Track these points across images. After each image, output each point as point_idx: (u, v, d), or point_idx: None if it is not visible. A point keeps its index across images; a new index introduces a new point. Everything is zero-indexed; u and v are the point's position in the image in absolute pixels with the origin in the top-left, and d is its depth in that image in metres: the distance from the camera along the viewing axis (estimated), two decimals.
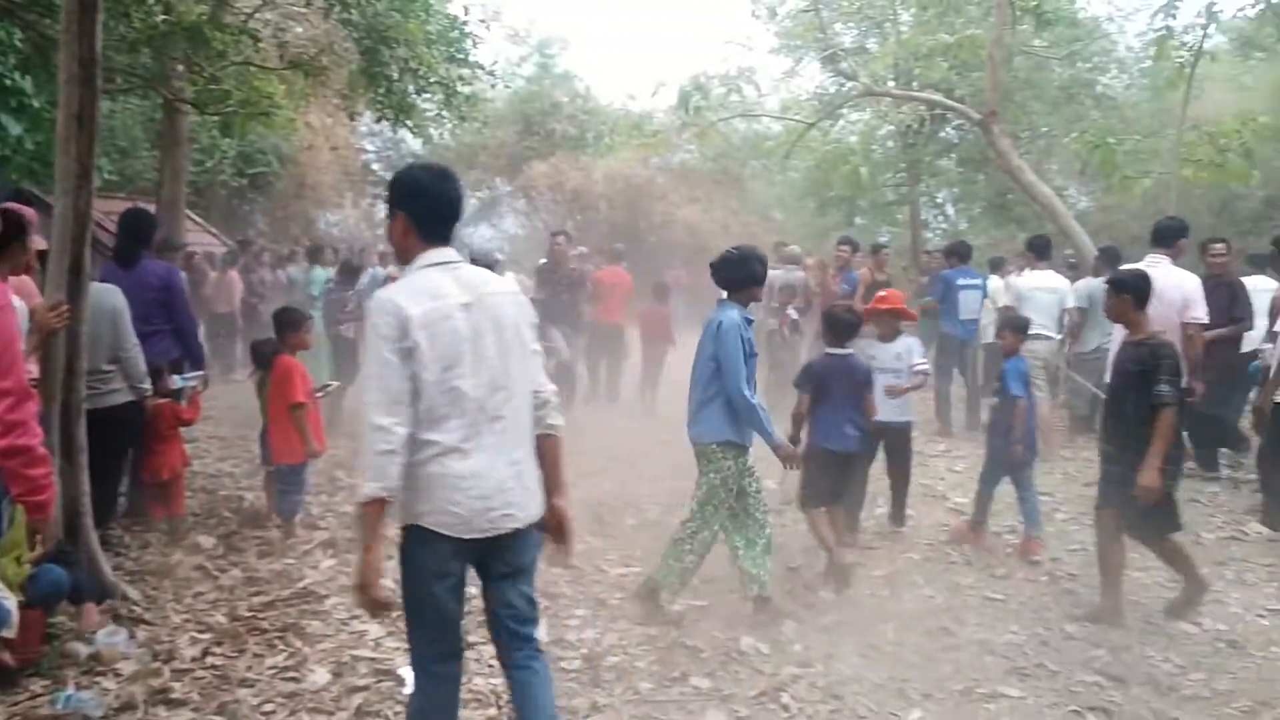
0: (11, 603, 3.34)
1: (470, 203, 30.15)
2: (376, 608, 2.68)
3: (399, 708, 3.49)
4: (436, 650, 2.78)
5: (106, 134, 12.80)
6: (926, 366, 6.03)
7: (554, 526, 2.91)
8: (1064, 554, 5.73)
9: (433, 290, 2.64)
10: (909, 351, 5.92)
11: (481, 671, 3.84)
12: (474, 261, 6.78)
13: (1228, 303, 7.21)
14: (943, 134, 19.02)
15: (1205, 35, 9.63)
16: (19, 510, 3.28)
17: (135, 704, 3.36)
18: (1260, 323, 7.45)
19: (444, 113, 12.42)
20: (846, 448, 5.32)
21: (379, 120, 9.75)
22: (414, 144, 29.89)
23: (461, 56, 9.36)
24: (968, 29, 13.06)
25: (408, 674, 3.41)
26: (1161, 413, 4.36)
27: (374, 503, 2.51)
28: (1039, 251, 8.56)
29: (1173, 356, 4.50)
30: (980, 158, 16.55)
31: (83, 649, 3.68)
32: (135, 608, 4.16)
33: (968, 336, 9.24)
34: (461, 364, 2.62)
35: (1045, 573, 5.42)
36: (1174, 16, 9.67)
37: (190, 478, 6.12)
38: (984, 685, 3.98)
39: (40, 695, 3.38)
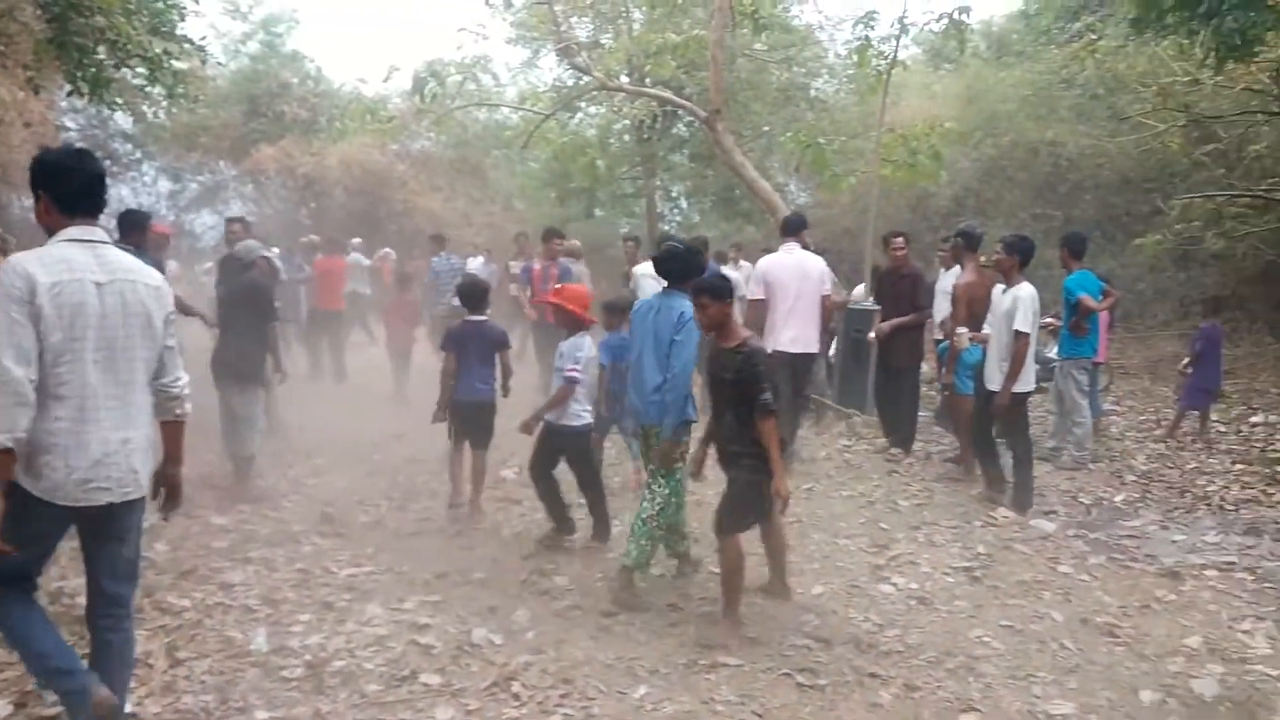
0: None
1: (190, 187, 28.10)
2: None
3: None
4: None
5: None
6: (574, 373, 5.56)
7: (163, 492, 3.21)
8: None
9: (68, 263, 2.80)
10: (572, 349, 5.67)
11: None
12: (235, 260, 6.38)
13: (910, 291, 8.02)
14: (675, 130, 19.69)
15: (898, 45, 10.58)
16: None
17: None
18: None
19: (149, 89, 11.45)
20: (478, 399, 6.12)
21: (69, 95, 8.78)
22: (124, 122, 27.50)
23: (167, 29, 8.56)
24: (694, 30, 13.57)
25: None
26: (766, 419, 4.24)
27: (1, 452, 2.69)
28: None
29: (767, 363, 4.36)
30: (709, 154, 17.30)
31: None
32: None
33: None
34: (85, 339, 2.79)
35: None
36: (872, 27, 10.56)
37: None
38: (705, 657, 4.18)
39: None
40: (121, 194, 28.03)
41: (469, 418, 6.15)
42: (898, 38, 10.45)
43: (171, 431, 3.20)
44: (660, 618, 4.63)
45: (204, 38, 10.83)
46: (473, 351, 6.11)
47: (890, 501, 6.67)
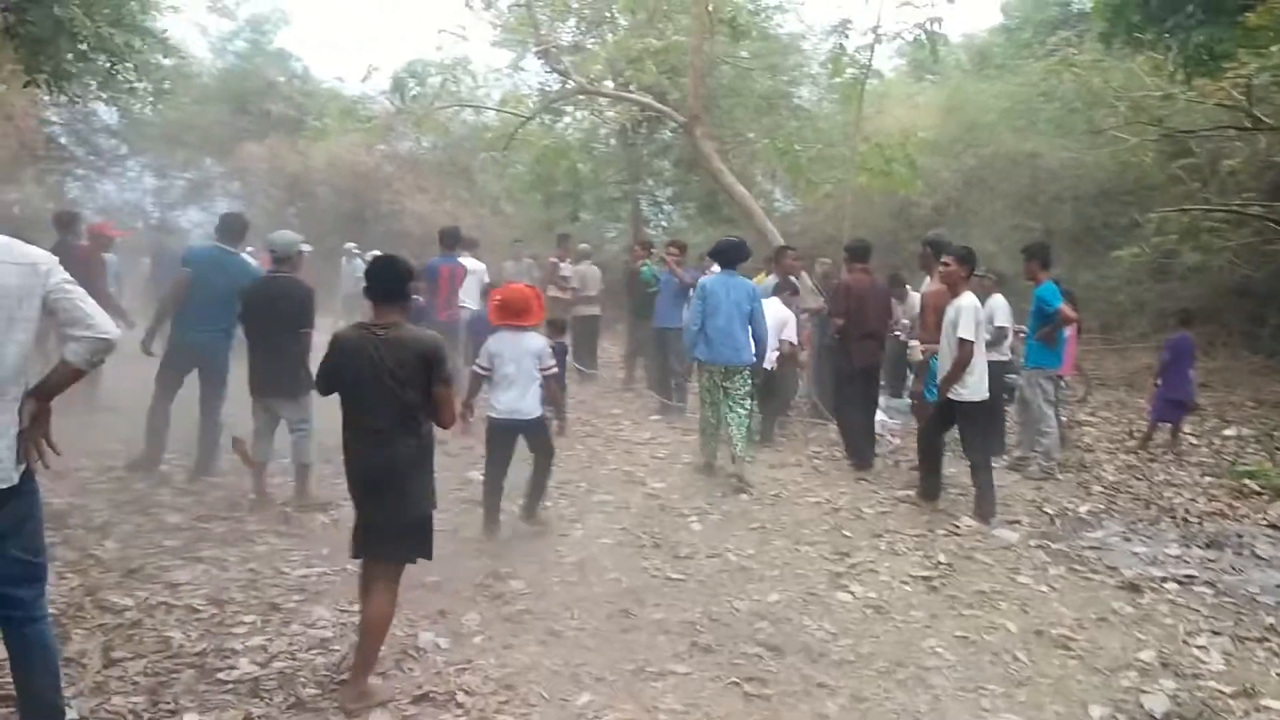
0: None
1: (176, 184, 27.95)
2: None
3: None
4: None
5: None
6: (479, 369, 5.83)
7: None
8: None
9: None
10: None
11: None
12: (273, 253, 6.18)
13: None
14: (659, 136, 19.68)
15: (873, 53, 10.58)
16: None
17: None
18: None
19: (136, 85, 11.32)
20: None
21: (25, 85, 8.61)
22: (108, 118, 27.35)
23: (129, 21, 8.43)
24: (675, 35, 13.57)
25: None
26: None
27: None
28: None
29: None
30: (693, 160, 17.30)
31: None
32: None
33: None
34: None
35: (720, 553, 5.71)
36: (847, 35, 10.60)
37: None
38: (654, 664, 4.14)
39: None
40: (106, 189, 28.06)
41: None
42: (872, 46, 10.47)
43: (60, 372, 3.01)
44: (612, 623, 4.58)
45: (165, 31, 10.62)
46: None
47: (855, 509, 6.65)
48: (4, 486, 2.85)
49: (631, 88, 15.66)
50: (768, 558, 5.60)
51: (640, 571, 5.31)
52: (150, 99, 27.02)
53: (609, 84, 15.61)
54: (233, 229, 6.85)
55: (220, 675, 3.79)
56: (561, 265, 12.10)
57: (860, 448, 7.93)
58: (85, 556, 4.97)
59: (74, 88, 8.95)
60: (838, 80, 11.37)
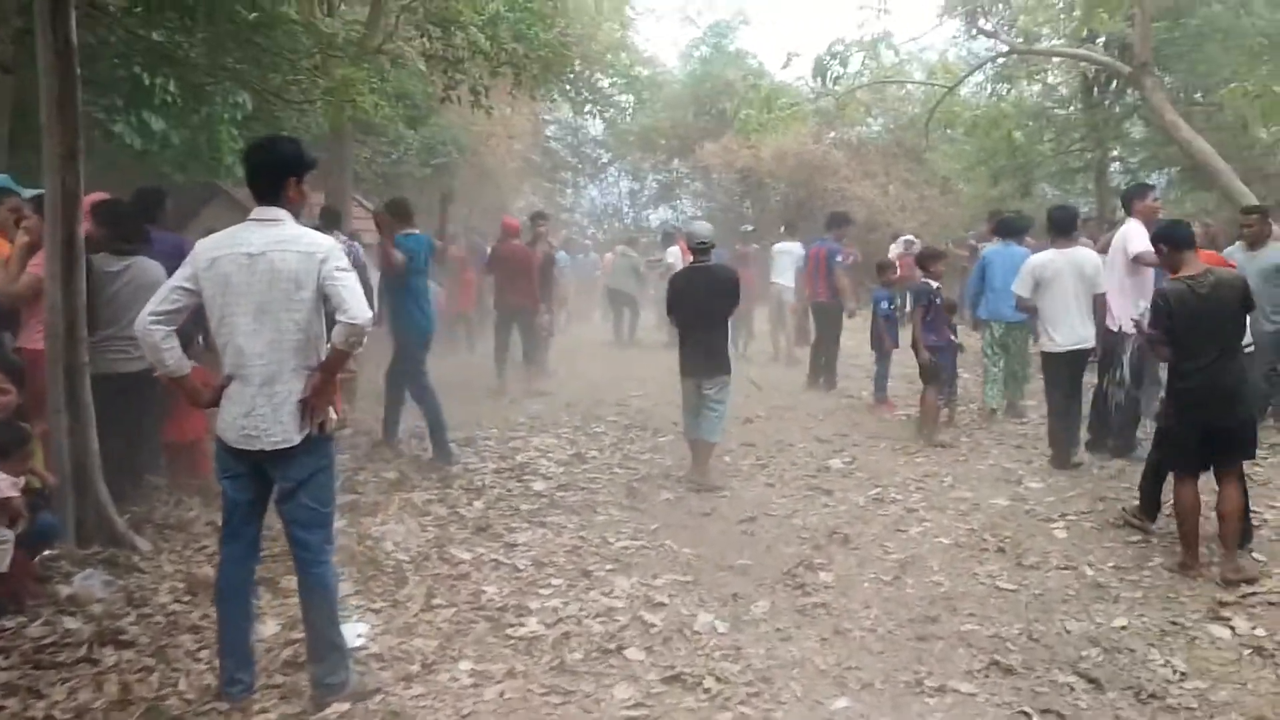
0: (9, 542, 3.75)
1: (650, 185, 30.56)
2: None
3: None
4: None
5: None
6: None
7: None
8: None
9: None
10: None
11: None
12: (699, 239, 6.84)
13: None
14: (1130, 96, 17.35)
15: None
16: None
17: (82, 641, 3.67)
18: None
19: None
20: None
21: (441, 101, 9.93)
22: (594, 128, 30.74)
23: (531, 36, 9.20)
24: None
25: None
26: None
27: None
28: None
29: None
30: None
31: (63, 589, 4.05)
32: (136, 557, 4.53)
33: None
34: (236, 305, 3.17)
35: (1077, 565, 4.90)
36: None
37: None
38: (936, 678, 3.68)
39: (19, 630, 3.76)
40: (591, 194, 31.60)
41: None
42: None
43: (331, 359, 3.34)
44: (911, 629, 4.16)
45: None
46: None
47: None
48: (285, 446, 3.25)
49: (1094, 42, 13.98)
50: (1136, 577, 4.70)
51: (968, 577, 4.76)
52: (629, 109, 29.71)
53: (1057, 42, 14.14)
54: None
55: (508, 630, 4.09)
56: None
57: None
58: (452, 513, 5.65)
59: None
60: None
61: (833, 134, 24.79)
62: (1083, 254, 6.88)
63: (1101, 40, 14.32)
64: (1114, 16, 12.34)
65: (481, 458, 7.05)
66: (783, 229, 14.42)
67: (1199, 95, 15.64)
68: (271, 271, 3.20)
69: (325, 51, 7.82)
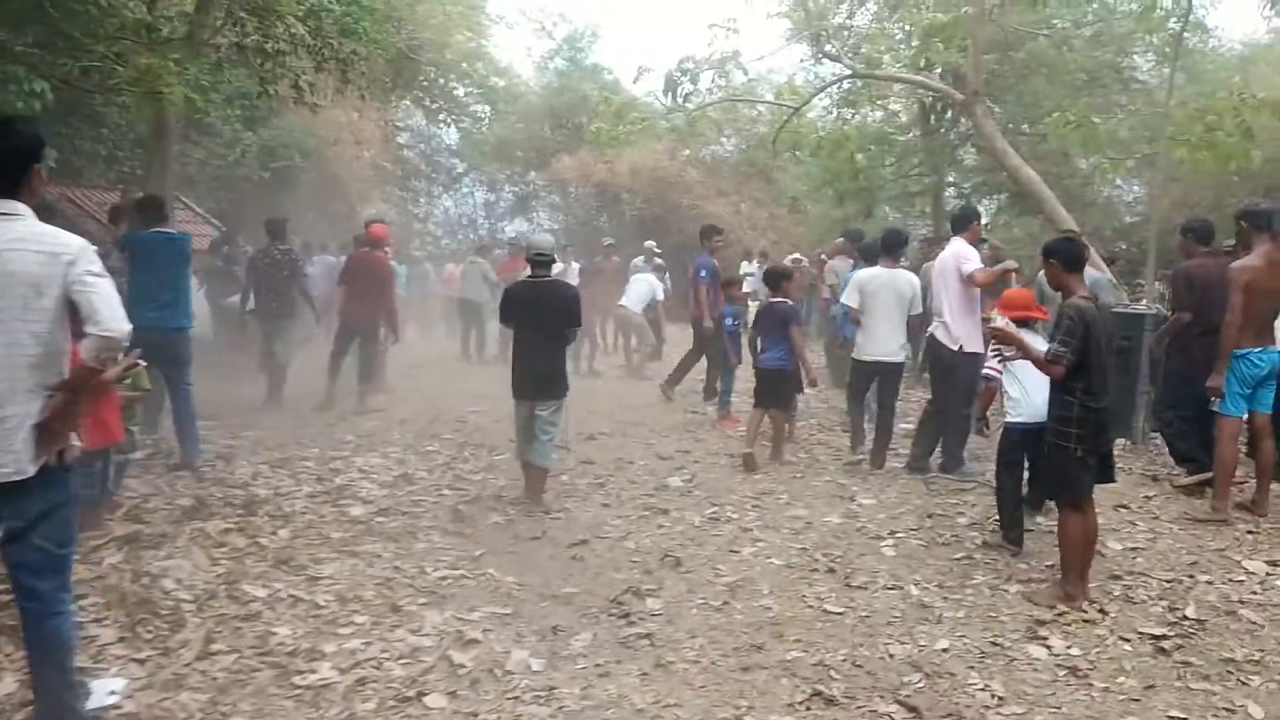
0: None
1: (506, 196, 30.12)
2: None
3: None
4: None
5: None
6: None
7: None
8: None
9: None
10: None
11: None
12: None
13: None
14: (965, 122, 18.13)
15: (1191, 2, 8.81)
16: None
17: None
18: None
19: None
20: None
21: (259, 96, 9.44)
22: (449, 137, 30.17)
23: (360, 32, 8.78)
24: (966, 8, 12.31)
25: None
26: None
27: None
28: None
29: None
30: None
31: None
32: None
33: None
34: None
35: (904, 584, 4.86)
36: None
37: None
38: (756, 713, 3.51)
39: None
40: (445, 205, 30.94)
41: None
42: None
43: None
44: (736, 659, 3.98)
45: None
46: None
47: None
48: (17, 478, 2.82)
49: (933, 71, 14.47)
50: (960, 595, 4.69)
51: (797, 600, 4.63)
52: (485, 119, 29.15)
53: (897, 69, 14.57)
54: None
55: (295, 679, 3.68)
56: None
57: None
58: (252, 544, 5.16)
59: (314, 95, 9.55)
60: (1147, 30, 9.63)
61: (686, 152, 25.01)
62: (904, 276, 7.38)
63: (938, 71, 14.90)
64: (948, 47, 12.86)
65: (297, 480, 6.55)
66: (643, 258, 14.44)
67: (1025, 125, 16.43)
68: (5, 274, 2.77)
69: (123, 37, 7.17)
